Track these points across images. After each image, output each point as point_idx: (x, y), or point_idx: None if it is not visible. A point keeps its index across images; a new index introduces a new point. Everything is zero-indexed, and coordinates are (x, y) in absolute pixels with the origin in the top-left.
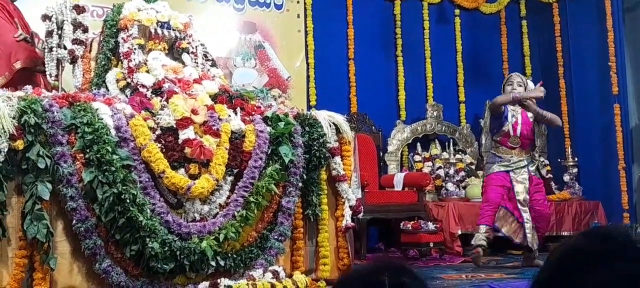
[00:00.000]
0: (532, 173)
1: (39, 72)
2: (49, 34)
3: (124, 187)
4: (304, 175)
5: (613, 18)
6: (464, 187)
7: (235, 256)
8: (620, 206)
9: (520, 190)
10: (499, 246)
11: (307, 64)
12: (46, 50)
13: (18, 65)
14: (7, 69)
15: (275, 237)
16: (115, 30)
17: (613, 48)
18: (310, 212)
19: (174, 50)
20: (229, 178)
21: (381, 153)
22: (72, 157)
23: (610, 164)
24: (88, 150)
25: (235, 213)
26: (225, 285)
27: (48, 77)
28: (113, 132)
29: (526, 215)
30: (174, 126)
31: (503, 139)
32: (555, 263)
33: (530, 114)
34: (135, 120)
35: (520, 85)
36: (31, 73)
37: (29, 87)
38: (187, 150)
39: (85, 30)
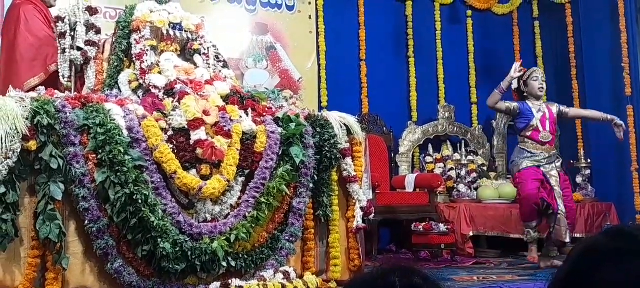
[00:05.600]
0: (559, 170)
1: None
2: (62, 35)
3: (136, 188)
4: (315, 176)
5: (626, 19)
6: (476, 189)
7: (246, 257)
8: (633, 208)
9: (554, 183)
10: (511, 248)
11: (319, 65)
12: (59, 52)
13: (53, 67)
14: (43, 69)
15: (286, 237)
16: (127, 32)
17: (626, 49)
18: (321, 213)
19: (186, 52)
20: (240, 179)
21: (392, 155)
22: (84, 157)
23: (623, 166)
24: (100, 151)
25: (247, 214)
26: (236, 286)
27: (61, 78)
28: (125, 132)
29: (561, 206)
30: (186, 127)
31: (533, 134)
32: (575, 261)
33: (554, 109)
34: (147, 121)
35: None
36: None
37: (42, 88)
38: (199, 151)
39: (98, 32)
